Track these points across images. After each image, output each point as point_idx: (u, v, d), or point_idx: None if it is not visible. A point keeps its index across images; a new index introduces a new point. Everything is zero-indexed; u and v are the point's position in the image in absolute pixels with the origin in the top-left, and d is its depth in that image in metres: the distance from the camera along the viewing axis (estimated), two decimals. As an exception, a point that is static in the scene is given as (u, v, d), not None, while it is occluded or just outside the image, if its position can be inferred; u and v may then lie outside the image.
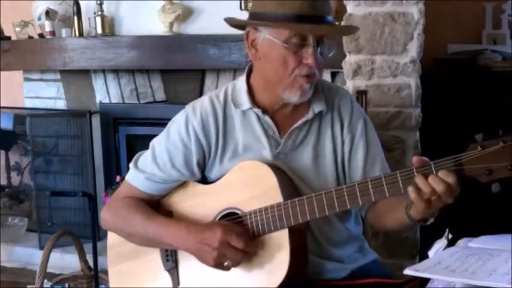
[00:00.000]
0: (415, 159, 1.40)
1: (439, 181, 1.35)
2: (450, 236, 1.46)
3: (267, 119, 1.65)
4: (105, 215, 1.73)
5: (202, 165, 1.68)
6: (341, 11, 2.65)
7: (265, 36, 1.57)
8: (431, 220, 1.48)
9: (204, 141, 1.65)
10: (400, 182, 1.41)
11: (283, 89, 1.59)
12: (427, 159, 1.40)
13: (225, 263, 1.55)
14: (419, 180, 1.37)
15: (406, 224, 1.51)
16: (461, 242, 1.46)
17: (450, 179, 1.35)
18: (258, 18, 1.58)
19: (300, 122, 1.65)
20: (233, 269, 1.57)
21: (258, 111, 1.64)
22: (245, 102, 1.65)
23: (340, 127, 1.68)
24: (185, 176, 1.68)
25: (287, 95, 1.59)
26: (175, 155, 1.66)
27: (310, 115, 1.65)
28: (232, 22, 1.69)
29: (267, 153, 1.64)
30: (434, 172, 1.36)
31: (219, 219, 1.63)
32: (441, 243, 1.47)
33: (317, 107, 1.66)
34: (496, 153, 1.30)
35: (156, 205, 1.71)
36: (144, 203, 1.69)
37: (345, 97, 1.72)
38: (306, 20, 1.51)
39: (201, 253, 1.56)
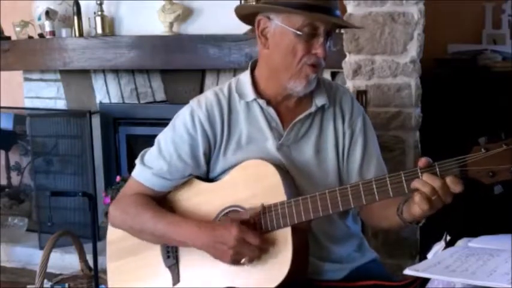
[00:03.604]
0: (420, 161, 1.40)
1: (434, 177, 1.37)
2: (448, 239, 1.46)
3: (271, 110, 1.66)
4: (114, 212, 1.73)
5: (208, 157, 1.69)
6: (341, 11, 2.65)
7: (277, 23, 1.59)
8: (423, 221, 1.49)
9: (210, 131, 1.66)
10: (404, 182, 1.42)
11: (289, 78, 1.61)
12: (431, 160, 1.40)
13: (242, 260, 1.55)
14: (420, 186, 1.38)
15: (398, 224, 1.53)
16: (461, 242, 1.46)
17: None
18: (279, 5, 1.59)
19: (303, 114, 1.67)
20: (234, 266, 1.57)
21: (262, 102, 1.66)
22: (249, 93, 1.67)
23: (342, 121, 1.70)
24: (191, 168, 1.68)
25: (292, 84, 1.61)
26: (182, 146, 1.67)
27: (313, 108, 1.67)
28: (243, 9, 1.70)
29: (270, 145, 1.65)
30: (438, 173, 1.37)
31: (222, 217, 1.64)
32: (439, 245, 1.47)
33: (319, 101, 1.68)
34: (499, 156, 1.32)
35: (159, 202, 1.71)
36: (153, 201, 1.69)
37: (346, 94, 1.75)
38: (318, 10, 1.55)
39: (216, 251, 1.56)
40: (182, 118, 1.69)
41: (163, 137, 1.71)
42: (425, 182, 1.37)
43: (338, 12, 1.61)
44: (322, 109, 1.69)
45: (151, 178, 1.69)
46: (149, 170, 1.69)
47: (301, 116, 1.67)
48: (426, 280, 1.35)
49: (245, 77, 1.71)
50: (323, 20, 1.56)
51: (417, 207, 1.40)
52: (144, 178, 1.70)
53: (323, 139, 1.69)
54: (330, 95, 1.71)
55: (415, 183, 1.39)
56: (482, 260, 1.31)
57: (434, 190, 1.37)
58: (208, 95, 1.70)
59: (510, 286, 1.16)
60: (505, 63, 2.93)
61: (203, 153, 1.67)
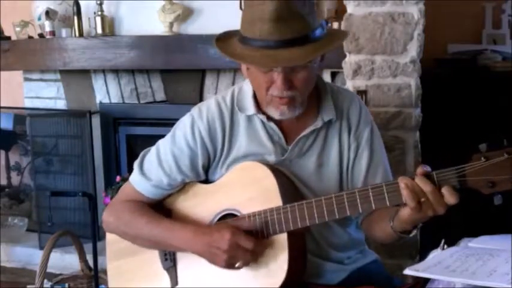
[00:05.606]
0: (419, 170, 1.38)
1: (426, 181, 1.35)
2: (445, 247, 1.45)
3: (272, 125, 1.63)
4: (108, 218, 1.73)
5: (207, 167, 1.68)
6: (341, 11, 2.65)
7: None
8: (414, 232, 1.47)
9: (210, 145, 1.65)
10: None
11: (266, 106, 1.59)
12: (429, 168, 1.38)
13: (236, 264, 1.55)
14: (407, 180, 1.36)
15: (392, 235, 1.51)
16: (461, 242, 1.46)
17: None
18: (241, 38, 1.53)
19: (308, 130, 1.63)
20: (232, 271, 1.57)
21: (263, 117, 1.63)
22: (250, 107, 1.64)
23: (348, 134, 1.66)
24: (190, 178, 1.68)
25: (270, 111, 1.59)
26: (181, 159, 1.66)
27: (319, 123, 1.63)
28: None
29: (271, 159, 1.63)
30: (436, 182, 1.35)
31: (218, 220, 1.63)
32: (436, 252, 1.46)
33: (326, 116, 1.64)
34: (499, 165, 1.28)
35: (155, 204, 1.71)
36: (148, 206, 1.69)
37: (354, 102, 1.69)
38: (272, 45, 1.46)
39: (211, 256, 1.56)
40: (183, 128, 1.67)
41: (164, 147, 1.69)
42: (415, 183, 1.35)
43: (316, 33, 1.49)
44: (328, 123, 1.65)
45: (150, 188, 1.69)
46: (148, 181, 1.68)
47: (306, 132, 1.63)
48: (426, 281, 1.35)
49: (247, 87, 1.66)
50: (263, 65, 1.49)
51: (407, 209, 1.38)
52: (142, 188, 1.69)
53: (326, 153, 1.65)
54: (338, 106, 1.66)
55: (403, 179, 1.37)
56: (482, 260, 1.31)
57: (422, 192, 1.35)
58: (211, 105, 1.66)
59: (510, 286, 1.16)
60: (505, 63, 2.93)
61: (202, 165, 1.66)
